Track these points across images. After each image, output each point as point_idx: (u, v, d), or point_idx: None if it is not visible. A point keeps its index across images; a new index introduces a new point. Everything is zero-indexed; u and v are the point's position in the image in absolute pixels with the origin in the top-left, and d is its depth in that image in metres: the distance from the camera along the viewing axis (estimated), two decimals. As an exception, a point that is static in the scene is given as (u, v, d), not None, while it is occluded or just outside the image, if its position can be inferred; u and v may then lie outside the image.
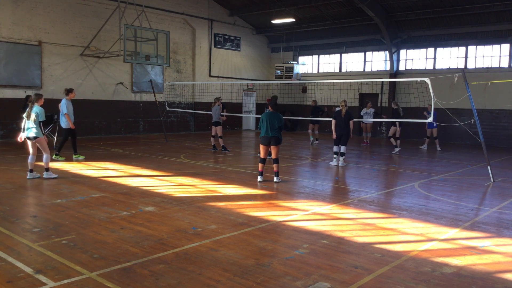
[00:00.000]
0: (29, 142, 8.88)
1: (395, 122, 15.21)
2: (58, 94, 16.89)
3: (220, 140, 14.08)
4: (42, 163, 9.01)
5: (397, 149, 14.84)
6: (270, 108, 9.35)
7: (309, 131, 17.59)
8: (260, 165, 9.32)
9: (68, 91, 11.39)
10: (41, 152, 9.00)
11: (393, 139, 15.39)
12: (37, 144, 8.87)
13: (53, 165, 10.25)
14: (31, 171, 8.91)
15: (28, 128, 8.79)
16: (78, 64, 17.54)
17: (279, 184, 8.95)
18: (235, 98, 23.42)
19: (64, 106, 11.19)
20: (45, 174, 8.92)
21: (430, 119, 12.41)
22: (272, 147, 9.20)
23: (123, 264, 4.47)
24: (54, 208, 6.76)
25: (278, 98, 24.60)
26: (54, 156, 11.34)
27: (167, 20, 20.48)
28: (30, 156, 8.90)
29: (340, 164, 11.56)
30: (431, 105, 14.58)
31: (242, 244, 5.17)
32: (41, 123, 8.87)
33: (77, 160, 11.42)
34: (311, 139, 17.52)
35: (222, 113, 14.42)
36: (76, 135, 11.70)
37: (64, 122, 11.30)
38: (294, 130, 23.95)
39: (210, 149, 14.54)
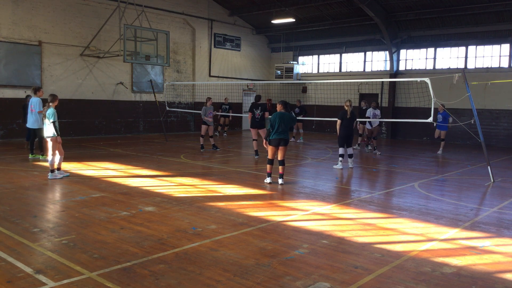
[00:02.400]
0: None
1: (367, 122, 15.45)
2: (58, 94, 16.67)
3: (201, 138, 14.44)
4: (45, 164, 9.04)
5: (357, 147, 15.66)
6: (281, 107, 9.13)
7: (301, 130, 18.37)
8: (268, 166, 9.15)
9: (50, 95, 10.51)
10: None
11: (366, 138, 15.72)
12: (48, 143, 8.98)
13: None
14: (52, 171, 8.99)
15: (46, 129, 9.03)
16: (78, 64, 17.54)
17: (279, 184, 8.94)
18: (235, 98, 23.40)
19: (37, 105, 10.90)
20: (50, 175, 8.94)
21: (430, 119, 11.83)
22: (281, 148, 8.99)
23: (123, 264, 4.47)
24: (54, 208, 6.76)
25: (278, 98, 24.63)
26: (40, 157, 11.44)
27: (167, 20, 20.47)
28: (49, 157, 9.02)
29: (350, 166, 11.40)
30: (443, 105, 14.52)
31: (242, 244, 5.17)
32: (54, 123, 8.91)
33: (34, 160, 11.30)
34: (301, 139, 18.35)
35: (215, 113, 14.66)
36: (37, 136, 11.36)
37: (33, 122, 11.06)
38: (292, 130, 23.97)
39: (210, 148, 14.57)
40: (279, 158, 9.07)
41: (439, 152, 15.12)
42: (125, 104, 19.22)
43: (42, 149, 11.34)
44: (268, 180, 9.10)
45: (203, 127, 14.32)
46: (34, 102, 11.01)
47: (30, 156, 11.54)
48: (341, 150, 11.44)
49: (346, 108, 11.25)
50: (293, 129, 18.65)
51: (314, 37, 23.97)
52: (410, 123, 19.09)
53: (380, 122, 14.82)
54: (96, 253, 4.77)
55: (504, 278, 4.40)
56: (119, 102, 19.02)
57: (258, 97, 13.12)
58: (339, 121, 11.26)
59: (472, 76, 16.73)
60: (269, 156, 9.11)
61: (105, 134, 18.51)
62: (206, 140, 14.87)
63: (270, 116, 9.44)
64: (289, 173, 10.37)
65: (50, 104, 9.02)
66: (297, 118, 17.49)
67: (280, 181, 9.01)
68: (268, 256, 4.81)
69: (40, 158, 11.37)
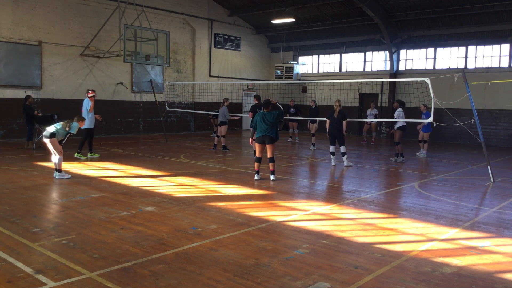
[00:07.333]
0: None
1: (314, 120, 16.29)
2: (58, 94, 16.91)
3: (222, 139, 14.32)
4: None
5: (312, 147, 15.95)
6: (263, 108, 9.47)
7: (296, 130, 18.22)
8: (256, 164, 9.42)
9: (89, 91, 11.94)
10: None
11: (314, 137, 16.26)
12: (51, 144, 8.96)
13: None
14: (59, 171, 9.05)
15: (46, 131, 9.06)
16: (78, 64, 17.54)
17: (279, 184, 8.95)
18: (235, 98, 23.39)
19: (88, 105, 11.70)
20: (57, 175, 8.94)
21: (430, 119, 11.52)
22: (267, 146, 9.29)
23: (123, 264, 4.47)
24: (54, 208, 6.76)
25: (278, 98, 24.67)
26: (76, 154, 11.77)
27: (167, 20, 20.47)
28: (52, 156, 9.12)
29: (345, 164, 11.57)
30: (425, 105, 14.21)
31: (242, 244, 5.17)
32: (70, 134, 9.14)
33: (92, 159, 11.66)
34: (297, 138, 18.30)
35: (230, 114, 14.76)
36: (93, 135, 12.09)
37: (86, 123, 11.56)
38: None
39: (211, 148, 14.58)
40: (268, 156, 9.38)
41: (421, 154, 14.25)
42: (125, 104, 19.22)
43: (90, 148, 11.99)
44: (256, 177, 9.35)
45: (224, 127, 14.30)
46: (85, 103, 11.73)
47: (89, 155, 11.87)
48: (331, 148, 11.91)
49: (335, 107, 11.65)
50: (289, 129, 18.65)
51: (314, 37, 23.96)
52: (409, 123, 19.05)
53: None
54: (96, 253, 4.77)
55: (504, 278, 4.40)
56: (119, 102, 19.01)
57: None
58: (327, 121, 11.79)
59: (472, 76, 16.72)
60: (257, 154, 9.46)
61: (105, 134, 18.49)
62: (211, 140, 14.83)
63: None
64: (288, 173, 10.38)
65: (79, 122, 9.31)
66: (292, 118, 17.59)
67: (271, 177, 9.31)
68: (268, 256, 4.81)
69: (89, 156, 11.85)
